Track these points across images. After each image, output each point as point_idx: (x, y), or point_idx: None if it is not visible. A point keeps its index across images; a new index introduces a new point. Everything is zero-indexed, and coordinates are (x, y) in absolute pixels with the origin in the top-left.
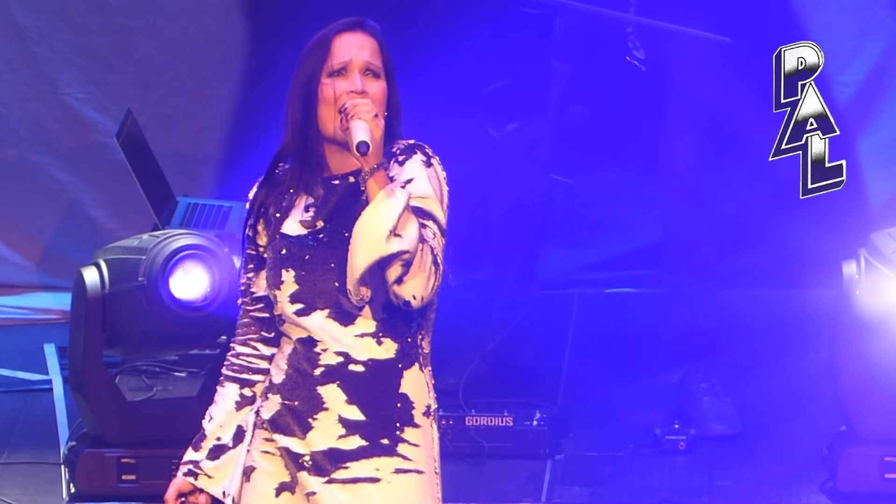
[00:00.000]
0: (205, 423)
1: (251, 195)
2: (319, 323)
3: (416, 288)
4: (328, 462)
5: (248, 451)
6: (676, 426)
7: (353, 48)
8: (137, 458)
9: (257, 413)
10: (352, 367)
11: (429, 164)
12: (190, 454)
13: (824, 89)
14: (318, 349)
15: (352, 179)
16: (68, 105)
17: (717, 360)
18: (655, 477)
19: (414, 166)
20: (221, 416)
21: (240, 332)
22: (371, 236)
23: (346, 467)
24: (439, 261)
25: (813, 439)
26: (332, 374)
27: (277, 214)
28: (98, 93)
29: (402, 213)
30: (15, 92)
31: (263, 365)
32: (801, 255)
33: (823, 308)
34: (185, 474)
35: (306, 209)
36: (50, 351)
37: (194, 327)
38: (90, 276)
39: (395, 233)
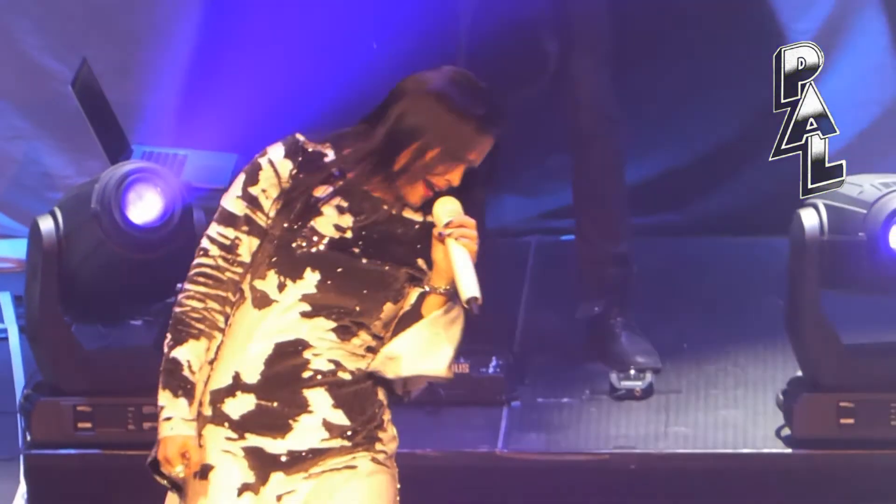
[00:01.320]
0: (188, 375)
1: (279, 159)
2: (319, 332)
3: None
4: (307, 460)
5: (201, 445)
6: (632, 372)
7: (482, 153)
8: (93, 406)
9: (213, 406)
10: (341, 374)
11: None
12: (185, 409)
13: (779, 38)
14: (308, 354)
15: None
16: (25, 53)
17: (630, 296)
18: (611, 423)
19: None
20: (205, 370)
21: (211, 283)
22: (434, 364)
23: (325, 462)
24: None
25: (768, 385)
26: (322, 379)
27: (312, 202)
28: (54, 41)
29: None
30: None
31: (223, 326)
32: (759, 201)
33: (780, 255)
34: (194, 430)
35: (340, 211)
36: (5, 300)
37: (149, 254)
38: (45, 224)
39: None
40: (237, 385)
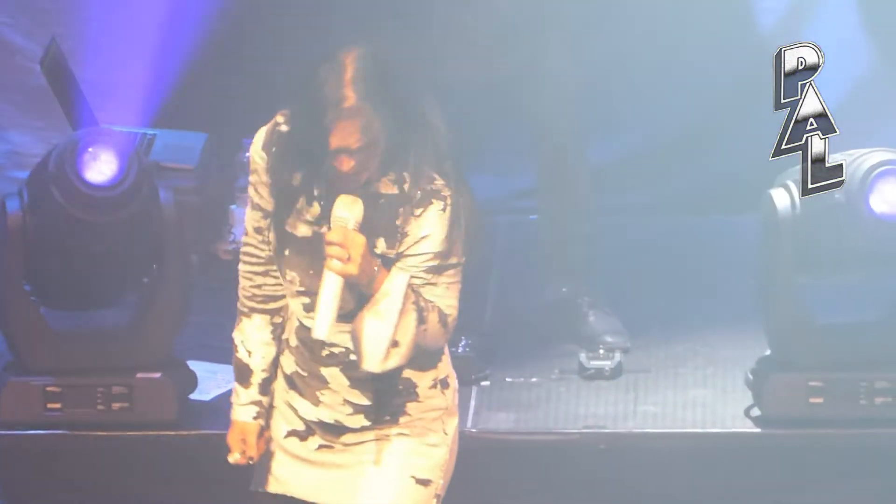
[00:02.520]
0: (244, 357)
1: (257, 150)
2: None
3: (434, 343)
4: (333, 432)
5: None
6: (601, 351)
7: (335, 141)
8: (63, 386)
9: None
10: (353, 356)
11: (445, 209)
12: (243, 394)
13: (748, 15)
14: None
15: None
16: None
17: (596, 274)
18: (581, 403)
19: (429, 219)
20: (261, 348)
21: (253, 261)
22: (371, 355)
23: (348, 437)
24: (451, 310)
25: (737, 364)
26: (336, 358)
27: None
28: (23, 18)
29: (397, 324)
30: None
31: (283, 292)
32: (730, 180)
33: (750, 234)
34: (254, 418)
35: (309, 202)
36: None
37: (107, 216)
38: (11, 203)
39: (392, 346)
40: (288, 345)
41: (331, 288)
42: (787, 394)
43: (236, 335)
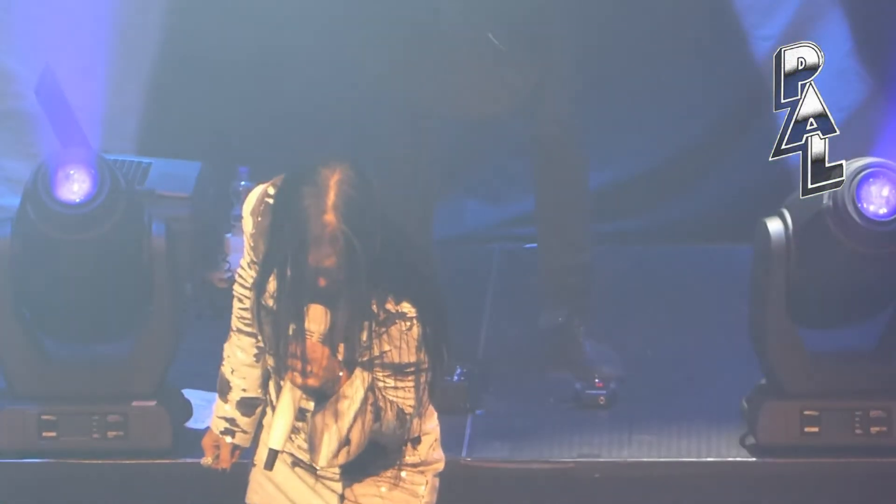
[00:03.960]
0: (227, 372)
1: (246, 214)
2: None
3: (390, 439)
4: (308, 469)
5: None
6: (596, 380)
7: (313, 261)
8: (58, 414)
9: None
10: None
11: (410, 329)
12: (220, 407)
13: (743, 43)
14: None
15: None
16: None
17: (591, 303)
18: (575, 431)
19: (392, 338)
20: (242, 368)
21: (245, 287)
22: (322, 452)
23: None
24: (411, 409)
25: (732, 393)
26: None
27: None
28: (18, 43)
29: (352, 425)
30: None
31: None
32: (723, 209)
33: (741, 262)
34: (222, 432)
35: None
36: None
37: (77, 234)
38: (2, 228)
39: (345, 444)
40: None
41: (289, 400)
42: (783, 422)
43: (226, 347)
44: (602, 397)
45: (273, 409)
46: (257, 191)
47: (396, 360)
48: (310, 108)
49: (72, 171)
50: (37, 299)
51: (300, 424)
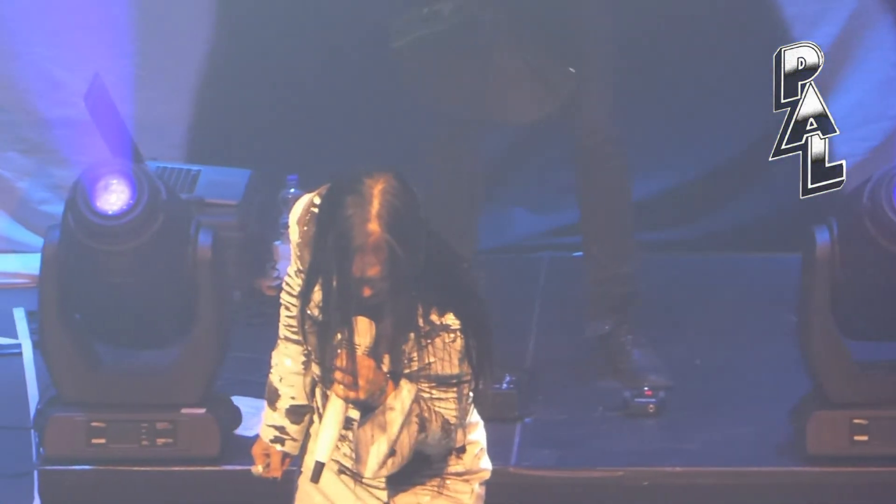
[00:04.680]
0: (275, 381)
1: (293, 223)
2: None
3: (435, 448)
4: (353, 475)
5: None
6: (645, 389)
7: (357, 271)
8: (107, 422)
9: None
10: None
11: (454, 340)
12: (269, 415)
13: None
14: None
15: None
16: (37, 64)
17: (638, 312)
18: (624, 440)
19: (437, 350)
20: (290, 377)
21: (293, 295)
22: (369, 463)
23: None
24: (456, 419)
25: (781, 402)
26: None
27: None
28: (67, 52)
29: (398, 436)
30: None
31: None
32: (771, 218)
33: (792, 271)
34: (271, 441)
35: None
36: (19, 315)
37: (116, 245)
38: (52, 233)
39: (390, 455)
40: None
41: (335, 413)
42: (831, 431)
43: (273, 356)
44: (651, 406)
45: (320, 417)
46: (303, 200)
47: (440, 371)
48: (358, 116)
49: (111, 182)
50: (85, 305)
51: (346, 432)
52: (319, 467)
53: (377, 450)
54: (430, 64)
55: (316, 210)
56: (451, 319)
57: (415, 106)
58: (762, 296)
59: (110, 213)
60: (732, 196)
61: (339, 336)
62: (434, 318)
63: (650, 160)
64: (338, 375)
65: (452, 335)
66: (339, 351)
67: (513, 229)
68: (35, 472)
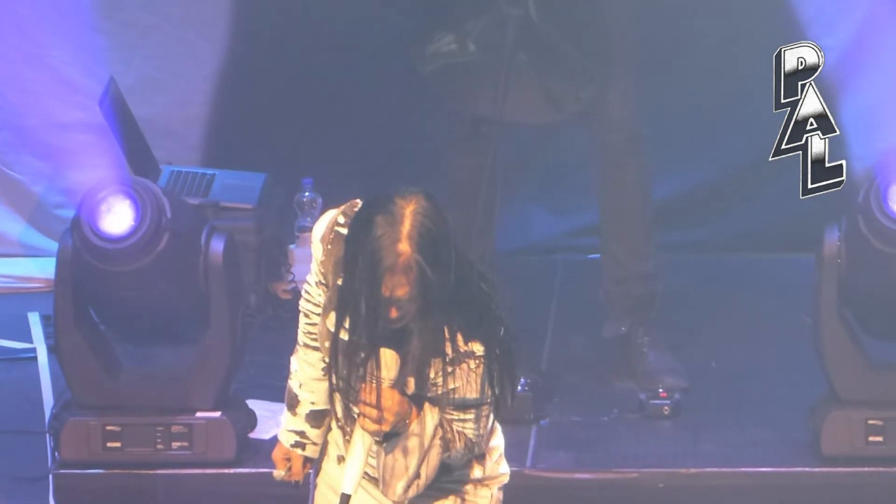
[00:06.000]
0: (294, 386)
1: (316, 241)
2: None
3: (458, 462)
4: (372, 480)
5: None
6: (661, 390)
7: (386, 291)
8: (122, 425)
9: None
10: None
11: (477, 367)
12: (289, 419)
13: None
14: None
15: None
16: (52, 68)
17: (655, 313)
18: (640, 442)
19: (460, 376)
20: (310, 382)
21: (312, 303)
22: (394, 488)
23: None
24: (479, 438)
25: (797, 403)
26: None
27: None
28: (82, 56)
29: (422, 460)
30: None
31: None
32: (789, 218)
33: (807, 272)
34: (292, 445)
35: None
36: (34, 319)
37: (120, 266)
38: (65, 237)
39: (415, 478)
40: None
41: (361, 446)
42: (847, 432)
43: (293, 361)
44: (666, 407)
45: (338, 421)
46: (327, 218)
47: (463, 395)
48: (374, 120)
49: (113, 205)
50: (101, 310)
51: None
52: (346, 499)
53: (403, 475)
54: (451, 70)
55: (340, 228)
56: (476, 347)
57: (432, 109)
58: (779, 297)
59: (113, 236)
60: (751, 196)
61: (362, 368)
62: (459, 344)
63: (668, 160)
64: (364, 409)
65: (476, 362)
66: (363, 385)
67: (529, 230)
68: (50, 477)
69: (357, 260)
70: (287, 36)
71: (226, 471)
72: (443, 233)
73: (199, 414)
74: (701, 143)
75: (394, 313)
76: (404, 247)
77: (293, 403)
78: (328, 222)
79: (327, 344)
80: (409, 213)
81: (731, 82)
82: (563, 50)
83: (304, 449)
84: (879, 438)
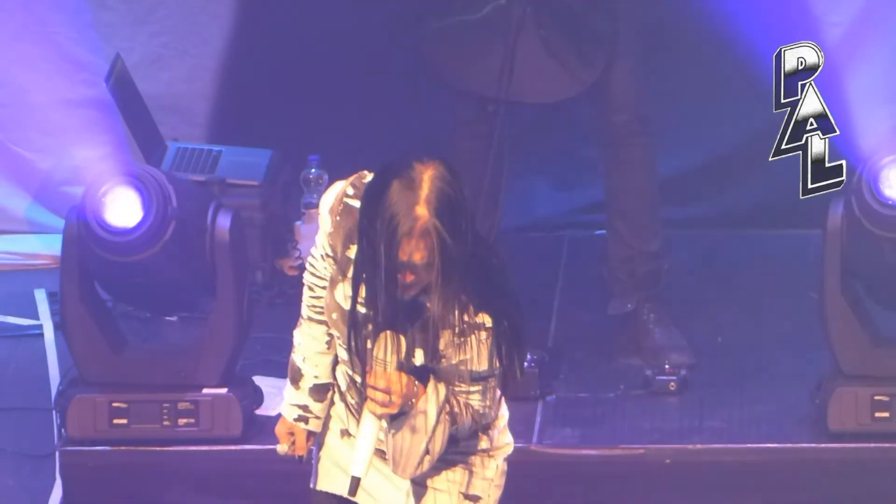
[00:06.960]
0: (298, 360)
1: (324, 212)
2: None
3: (465, 434)
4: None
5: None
6: (667, 367)
7: (403, 255)
8: (129, 402)
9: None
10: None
11: (486, 339)
12: (291, 392)
13: (813, 29)
14: None
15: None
16: (59, 45)
17: (661, 290)
18: (646, 418)
19: (469, 347)
20: (313, 356)
21: (316, 276)
22: (404, 466)
23: None
24: (486, 409)
25: (803, 379)
26: None
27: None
28: (89, 33)
29: (431, 436)
30: (6, 32)
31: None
32: (794, 195)
33: (813, 248)
34: (295, 419)
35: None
36: (40, 296)
37: (127, 257)
38: (70, 214)
39: (425, 454)
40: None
41: (370, 429)
42: (853, 408)
43: (295, 335)
44: (672, 384)
45: (341, 395)
46: (335, 189)
47: (471, 368)
48: (380, 96)
49: (119, 197)
50: (108, 287)
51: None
52: (356, 482)
53: (412, 452)
54: (456, 49)
55: (349, 200)
56: (486, 318)
57: (437, 86)
58: (786, 273)
59: (119, 229)
60: (757, 172)
61: (370, 340)
62: (468, 316)
63: (674, 136)
64: (371, 393)
65: (485, 333)
66: (369, 368)
67: (535, 207)
68: (56, 453)
69: (374, 225)
70: (293, 12)
71: (232, 447)
72: (460, 200)
73: (205, 390)
74: (704, 119)
75: (408, 277)
76: (422, 210)
77: (296, 377)
78: (337, 194)
79: (334, 316)
80: (427, 178)
81: (736, 58)
82: (573, 21)
83: (307, 423)
84: (886, 414)
